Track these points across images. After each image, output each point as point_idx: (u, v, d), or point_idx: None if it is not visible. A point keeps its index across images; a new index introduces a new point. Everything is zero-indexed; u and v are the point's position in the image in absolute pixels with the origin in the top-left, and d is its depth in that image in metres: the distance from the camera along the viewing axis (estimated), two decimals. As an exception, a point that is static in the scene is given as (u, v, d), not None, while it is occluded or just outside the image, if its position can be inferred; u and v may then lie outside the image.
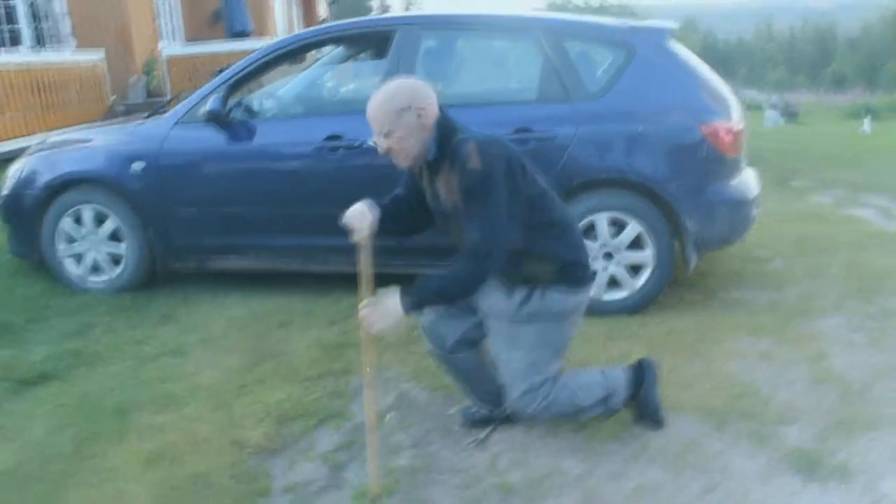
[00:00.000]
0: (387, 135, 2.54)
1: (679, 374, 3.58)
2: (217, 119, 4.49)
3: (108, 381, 3.68)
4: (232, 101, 4.64)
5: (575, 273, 2.74)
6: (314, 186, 4.41)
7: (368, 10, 45.16)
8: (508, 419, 3.10)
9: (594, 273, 2.86)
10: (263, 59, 4.65)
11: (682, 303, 4.54)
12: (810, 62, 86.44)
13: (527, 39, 4.42)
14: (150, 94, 13.49)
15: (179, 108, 4.74)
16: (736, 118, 4.31)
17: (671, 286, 4.57)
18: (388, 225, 2.77)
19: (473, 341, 2.94)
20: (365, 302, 2.61)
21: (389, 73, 4.15)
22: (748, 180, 4.50)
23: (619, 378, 2.97)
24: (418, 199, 2.81)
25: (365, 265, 2.67)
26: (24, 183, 4.99)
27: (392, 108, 2.51)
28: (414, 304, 2.55)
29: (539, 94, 4.26)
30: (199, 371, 3.76)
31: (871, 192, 8.00)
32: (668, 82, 4.24)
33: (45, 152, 5.12)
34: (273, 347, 4.01)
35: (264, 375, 3.67)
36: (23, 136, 10.37)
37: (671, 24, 4.43)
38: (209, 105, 4.45)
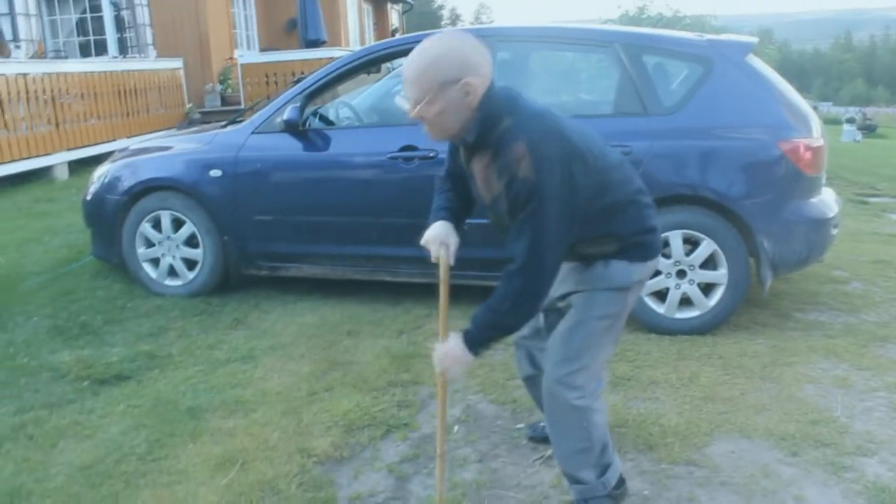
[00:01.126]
0: (424, 105, 2.15)
1: (751, 398, 3.50)
2: (293, 128, 4.57)
3: (180, 383, 3.77)
4: (308, 111, 4.72)
5: (638, 248, 2.42)
6: (387, 196, 4.46)
7: (439, 19, 45.36)
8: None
9: (660, 243, 2.54)
10: (340, 70, 4.71)
11: (755, 324, 4.43)
12: (891, 74, 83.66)
13: (605, 52, 4.38)
14: (224, 101, 13.84)
15: (256, 118, 4.84)
16: (816, 134, 4.20)
17: (744, 306, 4.47)
18: (458, 207, 2.55)
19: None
20: (438, 346, 2.36)
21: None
22: (827, 199, 4.37)
23: (615, 472, 2.63)
24: (464, 178, 2.49)
25: (444, 298, 2.43)
26: (107, 188, 5.16)
27: (437, 77, 2.11)
28: (476, 345, 2.27)
29: (615, 108, 4.23)
30: (269, 377, 3.82)
31: (957, 214, 7.70)
32: (746, 98, 4.15)
33: (128, 159, 5.29)
34: (342, 356, 4.05)
35: (333, 384, 3.71)
36: (107, 140, 10.79)
37: (751, 39, 4.35)
38: (286, 115, 4.54)
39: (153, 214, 5.02)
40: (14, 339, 4.38)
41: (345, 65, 4.72)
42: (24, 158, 9.14)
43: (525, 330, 2.69)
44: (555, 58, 5.00)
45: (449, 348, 2.30)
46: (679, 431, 3.19)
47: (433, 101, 2.13)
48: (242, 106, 12.92)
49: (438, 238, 2.42)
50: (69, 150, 10.01)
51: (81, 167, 10.15)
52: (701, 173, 4.12)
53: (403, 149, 4.43)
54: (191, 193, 4.88)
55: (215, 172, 4.79)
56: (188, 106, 13.14)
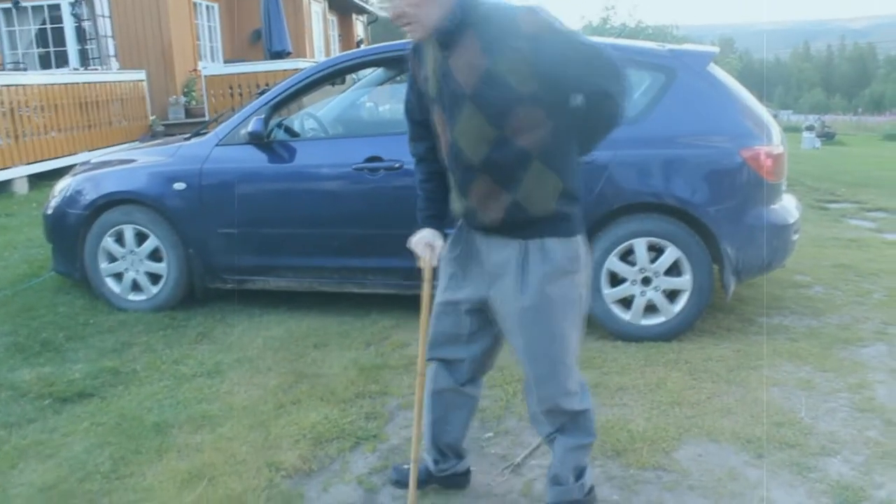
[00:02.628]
0: None
1: (717, 402, 3.54)
2: (258, 140, 4.55)
3: (145, 399, 3.71)
4: (273, 123, 4.70)
5: (575, 219, 2.33)
6: (353, 207, 4.45)
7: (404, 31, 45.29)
8: (547, 442, 2.61)
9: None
10: (305, 81, 4.70)
11: (719, 329, 4.48)
12: (848, 83, 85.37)
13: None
14: (188, 113, 13.74)
15: (220, 130, 4.81)
16: (776, 142, 4.27)
17: (709, 312, 4.53)
18: (444, 210, 2.51)
19: (483, 369, 2.67)
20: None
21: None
22: (788, 205, 4.45)
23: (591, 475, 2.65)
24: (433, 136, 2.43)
25: (426, 295, 2.50)
26: (69, 202, 5.09)
27: None
28: None
29: (578, 117, 4.25)
30: (236, 391, 3.78)
31: (914, 218, 7.86)
32: (709, 107, 4.22)
33: (89, 172, 5.22)
34: (309, 368, 4.03)
35: (300, 396, 3.68)
36: (68, 154, 10.64)
37: (712, 49, 4.42)
38: (251, 127, 4.51)
39: (116, 228, 4.95)
40: (-28, 358, 4.29)
41: (310, 76, 4.71)
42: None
43: (441, 339, 2.56)
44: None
45: None
46: (647, 436, 3.22)
47: None
48: (207, 118, 12.83)
49: (424, 240, 2.48)
50: (29, 163, 9.85)
51: (41, 181, 10.00)
52: (664, 181, 4.17)
53: (369, 160, 4.42)
54: (155, 207, 4.82)
55: (179, 185, 4.75)
56: (151, 118, 13.01)
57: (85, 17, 12.36)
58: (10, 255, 6.53)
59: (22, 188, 9.67)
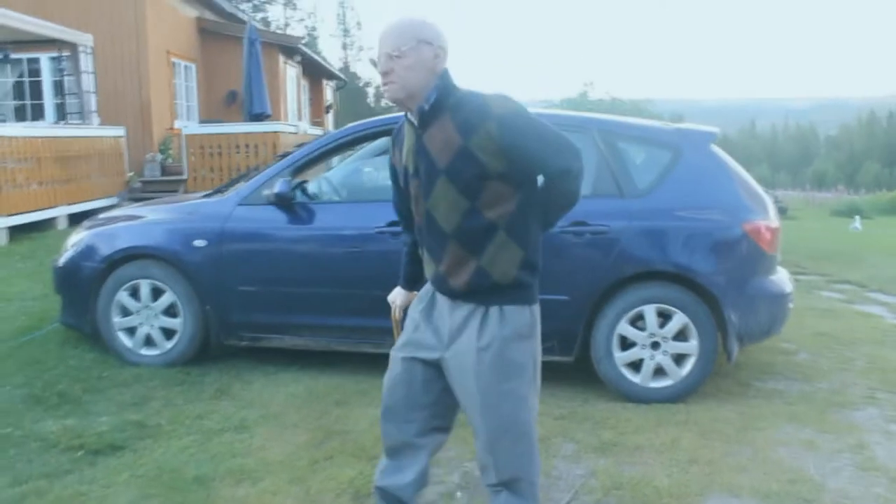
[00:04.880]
0: (395, 57, 2.30)
1: (732, 459, 3.75)
2: (285, 202, 4.71)
3: (178, 453, 3.78)
4: (294, 184, 4.87)
5: (532, 288, 2.47)
6: (374, 268, 4.59)
7: (365, 95, 46.18)
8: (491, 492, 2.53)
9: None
10: (329, 146, 4.90)
11: (720, 392, 4.72)
12: (792, 160, 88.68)
13: (582, 138, 4.70)
14: (164, 171, 13.77)
15: (243, 190, 4.96)
16: (773, 217, 4.59)
17: (710, 376, 4.76)
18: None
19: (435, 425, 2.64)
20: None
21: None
22: (783, 276, 4.74)
23: None
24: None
25: (396, 328, 2.86)
26: (83, 255, 5.16)
27: (413, 34, 2.31)
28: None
29: (593, 190, 4.52)
30: (268, 446, 3.87)
31: (879, 291, 8.30)
32: (712, 182, 4.53)
33: (104, 227, 5.30)
34: (335, 425, 4.13)
35: (332, 452, 3.78)
36: (48, 206, 10.61)
37: (714, 130, 4.75)
38: (277, 188, 4.67)
39: (131, 283, 5.03)
40: (-10, 409, 4.30)
41: (333, 141, 4.92)
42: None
43: (394, 399, 2.60)
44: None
45: None
46: (672, 492, 3.40)
47: (406, 55, 2.29)
48: (185, 176, 12.92)
49: (392, 297, 2.95)
50: (9, 215, 9.80)
51: (20, 233, 9.97)
52: (673, 251, 4.44)
53: (391, 224, 4.61)
54: (173, 262, 4.93)
55: (199, 242, 4.87)
56: (129, 174, 13.05)
57: (68, 72, 12.44)
58: (6, 307, 6.51)
59: (2, 240, 9.61)
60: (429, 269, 2.55)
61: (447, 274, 2.43)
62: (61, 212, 10.98)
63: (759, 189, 4.72)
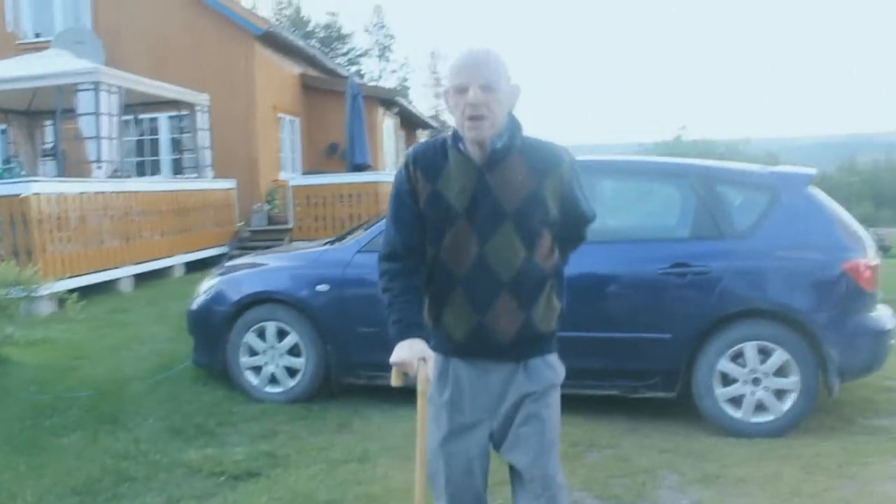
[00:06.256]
0: (490, 90, 2.20)
1: (835, 494, 3.84)
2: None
3: (308, 480, 4.12)
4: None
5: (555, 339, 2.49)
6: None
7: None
8: None
9: None
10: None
11: (822, 427, 4.80)
12: (895, 194, 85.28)
13: (681, 183, 4.94)
14: (270, 220, 14.47)
15: (362, 238, 5.37)
16: (871, 255, 4.69)
17: (812, 413, 4.84)
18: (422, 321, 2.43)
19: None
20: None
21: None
22: (884, 313, 4.82)
23: None
24: (419, 244, 2.40)
25: (422, 410, 2.41)
26: (215, 299, 5.65)
27: (506, 69, 2.25)
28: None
29: (692, 232, 4.74)
30: (391, 475, 4.17)
31: None
32: (811, 222, 4.69)
33: (232, 274, 5.80)
34: (449, 455, 4.41)
35: (449, 479, 4.06)
36: (167, 255, 11.39)
37: (811, 171, 4.91)
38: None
39: (259, 325, 5.47)
40: (139, 438, 4.75)
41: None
42: (96, 271, 9.70)
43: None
44: (635, 186, 5.51)
45: None
46: (777, 523, 3.54)
47: (501, 90, 2.22)
48: (290, 225, 13.60)
49: (416, 354, 2.31)
50: (135, 263, 10.58)
51: (143, 280, 10.73)
52: (773, 290, 4.61)
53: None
54: (297, 306, 5.35)
55: (322, 287, 5.28)
56: (239, 224, 13.82)
57: (186, 130, 13.37)
58: (140, 348, 7.08)
59: (128, 287, 10.37)
60: (465, 323, 2.39)
61: (493, 324, 2.35)
62: (178, 260, 11.76)
63: (858, 228, 4.83)
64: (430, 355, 2.33)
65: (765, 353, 4.61)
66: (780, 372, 4.60)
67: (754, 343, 4.59)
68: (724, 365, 4.65)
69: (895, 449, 4.43)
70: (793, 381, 4.57)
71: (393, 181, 2.47)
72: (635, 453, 4.42)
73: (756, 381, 4.62)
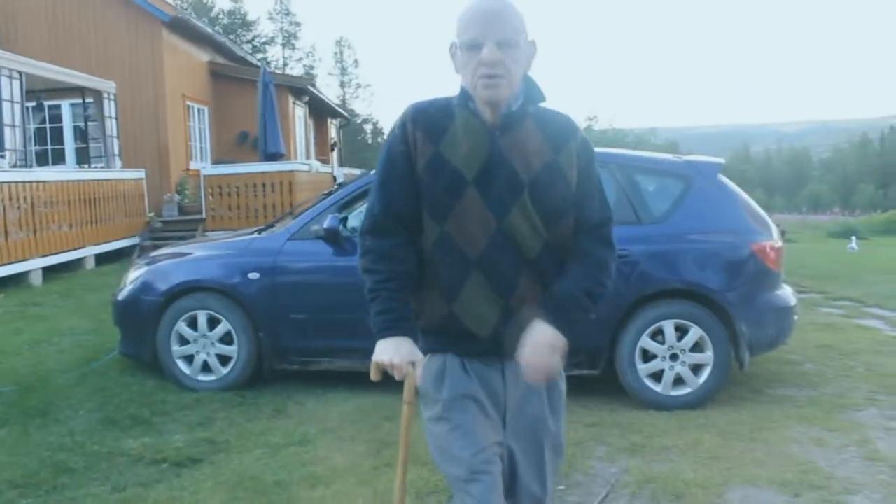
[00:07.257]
0: (507, 46, 1.93)
1: (749, 456, 4.18)
2: (335, 236, 5.17)
3: (252, 463, 4.20)
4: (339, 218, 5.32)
5: None
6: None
7: (363, 132, 47.11)
8: None
9: None
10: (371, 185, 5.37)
11: (735, 398, 5.16)
12: (786, 184, 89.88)
13: (602, 172, 5.18)
14: (181, 210, 14.26)
15: (292, 226, 5.44)
16: (776, 238, 5.07)
17: (725, 385, 5.20)
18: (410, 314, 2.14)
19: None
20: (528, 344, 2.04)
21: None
22: (788, 291, 5.21)
23: None
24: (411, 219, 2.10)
25: (407, 419, 2.12)
26: (142, 290, 5.62)
27: (524, 25, 1.98)
28: (567, 326, 2.07)
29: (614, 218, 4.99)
30: (331, 456, 4.28)
31: (876, 306, 8.77)
32: (721, 208, 5.03)
33: (159, 263, 5.77)
34: (389, 437, 4.54)
35: (390, 459, 4.19)
36: (77, 247, 11.09)
37: (720, 160, 5.25)
38: (327, 223, 5.13)
39: (189, 314, 5.47)
40: (73, 430, 4.70)
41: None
42: (4, 264, 9.38)
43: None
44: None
45: (538, 341, 2.03)
46: (699, 483, 3.83)
47: (519, 47, 1.96)
48: (202, 215, 13.41)
49: (405, 357, 2.05)
50: (43, 256, 10.27)
51: (53, 273, 10.44)
52: (688, 271, 4.93)
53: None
54: (229, 294, 5.38)
55: (254, 275, 5.32)
56: (150, 215, 13.54)
57: (92, 119, 12.98)
58: (60, 340, 6.94)
59: (37, 280, 10.06)
60: (485, 313, 2.08)
61: (517, 309, 2.07)
62: (89, 252, 11.48)
63: (763, 213, 5.20)
64: (421, 359, 2.07)
65: (682, 331, 4.93)
66: (696, 348, 4.93)
67: (672, 321, 4.90)
68: (645, 342, 4.94)
69: (798, 415, 4.82)
70: (707, 356, 4.91)
71: (385, 141, 2.15)
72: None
73: (674, 357, 4.94)
